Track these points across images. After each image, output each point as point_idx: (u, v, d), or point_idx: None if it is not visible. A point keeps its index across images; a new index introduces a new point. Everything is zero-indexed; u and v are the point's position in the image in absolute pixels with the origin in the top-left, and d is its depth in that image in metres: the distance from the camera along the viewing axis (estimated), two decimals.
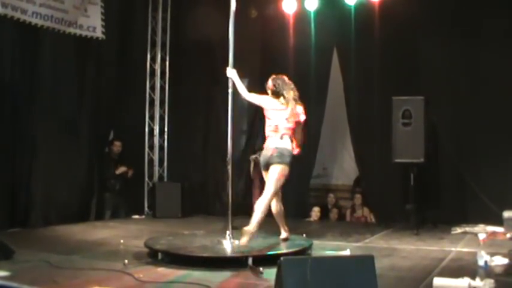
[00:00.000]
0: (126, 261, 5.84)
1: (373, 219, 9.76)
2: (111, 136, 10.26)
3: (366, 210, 9.87)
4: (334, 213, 10.25)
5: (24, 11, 8.21)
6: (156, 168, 10.80)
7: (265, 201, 6.41)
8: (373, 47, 9.34)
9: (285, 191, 9.93)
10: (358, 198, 9.95)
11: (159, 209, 10.03)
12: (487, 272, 5.41)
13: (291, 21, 9.92)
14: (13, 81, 8.55)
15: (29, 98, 8.76)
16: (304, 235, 7.42)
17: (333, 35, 9.89)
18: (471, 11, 8.74)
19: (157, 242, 6.62)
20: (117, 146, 10.00)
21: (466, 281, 4.78)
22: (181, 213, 10.03)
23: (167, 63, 10.90)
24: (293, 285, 3.98)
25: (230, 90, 6.81)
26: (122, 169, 9.93)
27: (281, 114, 6.60)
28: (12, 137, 8.52)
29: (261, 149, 10.55)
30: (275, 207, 6.75)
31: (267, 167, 6.63)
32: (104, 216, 9.75)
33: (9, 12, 8.01)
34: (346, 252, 6.47)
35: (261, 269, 5.46)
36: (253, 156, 9.80)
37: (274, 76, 6.78)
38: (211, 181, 10.67)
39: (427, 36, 9.08)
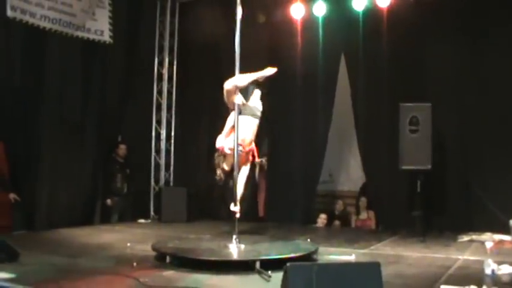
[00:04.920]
0: (135, 263, 5.85)
1: (378, 223, 9.73)
2: (119, 139, 10.29)
3: (370, 213, 9.85)
4: (342, 220, 10.20)
5: (32, 14, 8.26)
6: (163, 172, 10.80)
7: None
8: (381, 53, 9.33)
9: (292, 197, 10.03)
10: (363, 201, 9.92)
11: (165, 214, 10.03)
12: (494, 280, 5.35)
13: (299, 26, 9.93)
14: (20, 84, 8.60)
15: (36, 101, 8.80)
16: (309, 240, 7.39)
17: (340, 41, 9.88)
18: (479, 17, 8.72)
19: (165, 246, 6.61)
20: (122, 149, 10.00)
21: None
22: (187, 217, 10.04)
23: (174, 67, 10.92)
24: None
25: (236, 103, 6.80)
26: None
27: None
28: (18, 139, 8.56)
29: (266, 153, 10.69)
30: None
31: None
32: (110, 219, 9.76)
33: (18, 15, 8.06)
34: (351, 257, 6.46)
35: (269, 272, 5.43)
36: (259, 160, 9.75)
37: None
38: (217, 186, 10.63)
39: (435, 43, 9.05)
